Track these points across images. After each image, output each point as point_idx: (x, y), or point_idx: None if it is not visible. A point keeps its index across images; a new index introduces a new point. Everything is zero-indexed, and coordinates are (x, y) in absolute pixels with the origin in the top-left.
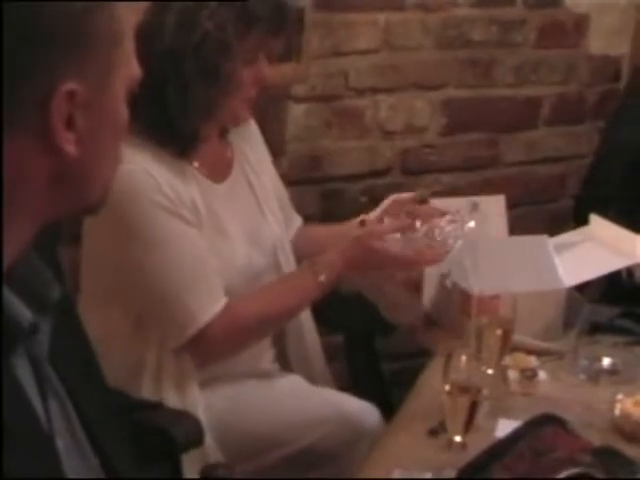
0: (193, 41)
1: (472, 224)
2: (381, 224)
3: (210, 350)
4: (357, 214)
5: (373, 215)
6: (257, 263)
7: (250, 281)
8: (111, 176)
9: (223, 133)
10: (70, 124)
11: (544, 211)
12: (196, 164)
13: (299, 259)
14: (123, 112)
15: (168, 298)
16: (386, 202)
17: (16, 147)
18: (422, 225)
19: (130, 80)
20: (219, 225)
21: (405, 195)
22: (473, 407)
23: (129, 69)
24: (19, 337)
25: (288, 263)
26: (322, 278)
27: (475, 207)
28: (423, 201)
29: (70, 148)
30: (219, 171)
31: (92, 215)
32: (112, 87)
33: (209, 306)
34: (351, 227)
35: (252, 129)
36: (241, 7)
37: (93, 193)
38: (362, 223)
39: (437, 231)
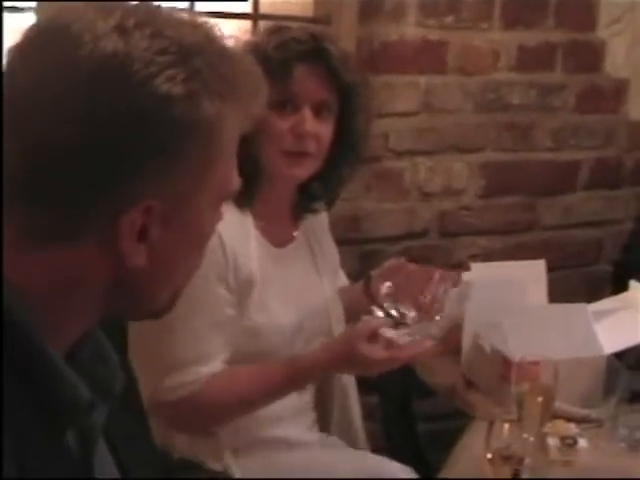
0: None
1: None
2: (371, 322)
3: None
4: None
5: (376, 273)
6: (308, 326)
7: (299, 343)
8: (183, 284)
9: (296, 214)
10: (143, 236)
11: (580, 275)
12: (261, 224)
13: None
14: (207, 222)
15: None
16: (388, 264)
17: (77, 251)
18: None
19: (226, 195)
20: (269, 287)
21: (403, 262)
22: (515, 476)
23: (223, 186)
24: (77, 414)
25: (339, 329)
26: (301, 376)
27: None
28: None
29: (138, 260)
30: (280, 238)
31: (155, 319)
32: (197, 205)
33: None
34: (357, 287)
35: (323, 220)
36: (265, 53)
37: (157, 301)
38: (367, 280)
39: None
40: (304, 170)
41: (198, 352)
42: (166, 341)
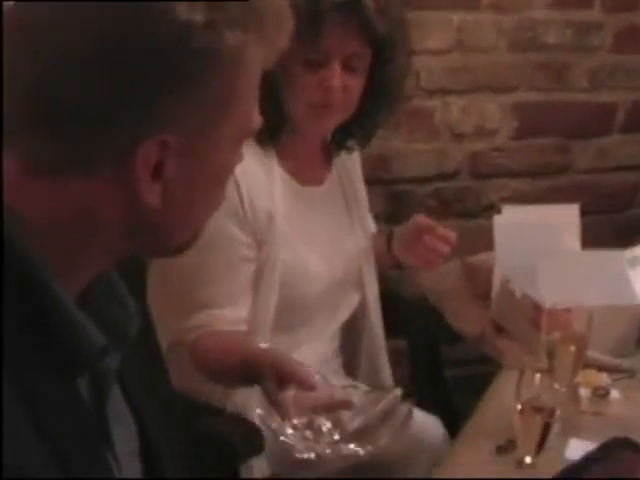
0: None
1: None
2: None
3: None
4: None
5: (400, 229)
6: (336, 271)
7: (328, 288)
8: (204, 221)
9: (329, 153)
10: (157, 173)
11: (614, 220)
12: (287, 163)
13: None
14: (227, 161)
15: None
16: (412, 222)
17: (87, 184)
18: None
19: (246, 133)
20: (295, 224)
21: (426, 221)
22: (546, 428)
23: (244, 124)
24: (90, 360)
25: (370, 274)
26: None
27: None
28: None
29: (151, 198)
30: (309, 178)
31: (177, 255)
32: (216, 142)
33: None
34: (381, 242)
35: (355, 160)
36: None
37: (175, 239)
38: (390, 236)
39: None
40: (331, 122)
41: (214, 294)
42: (183, 284)
